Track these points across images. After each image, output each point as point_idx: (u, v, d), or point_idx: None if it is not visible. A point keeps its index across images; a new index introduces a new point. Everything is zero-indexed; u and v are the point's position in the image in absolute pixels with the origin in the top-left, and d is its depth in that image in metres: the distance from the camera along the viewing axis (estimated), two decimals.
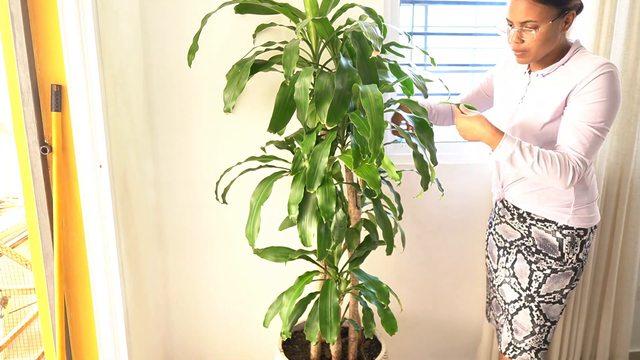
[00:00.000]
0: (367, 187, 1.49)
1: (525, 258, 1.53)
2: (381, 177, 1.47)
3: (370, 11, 1.44)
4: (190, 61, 1.46)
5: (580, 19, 1.74)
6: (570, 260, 1.49)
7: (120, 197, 1.55)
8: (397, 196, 1.58)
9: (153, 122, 1.78)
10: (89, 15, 1.35)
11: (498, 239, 1.65)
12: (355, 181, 1.57)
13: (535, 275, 1.51)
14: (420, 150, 1.35)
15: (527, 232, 1.54)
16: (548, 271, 1.50)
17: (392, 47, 1.59)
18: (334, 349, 1.63)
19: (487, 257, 1.73)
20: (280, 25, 1.66)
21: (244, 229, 1.48)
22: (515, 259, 1.57)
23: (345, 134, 1.51)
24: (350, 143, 1.39)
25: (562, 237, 1.47)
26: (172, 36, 1.71)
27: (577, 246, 1.48)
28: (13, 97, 1.36)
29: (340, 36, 1.47)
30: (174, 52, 1.72)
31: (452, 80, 1.97)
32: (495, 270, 1.67)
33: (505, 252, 1.62)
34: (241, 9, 1.61)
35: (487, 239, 1.73)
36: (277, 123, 1.42)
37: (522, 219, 1.55)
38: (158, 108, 1.77)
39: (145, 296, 1.78)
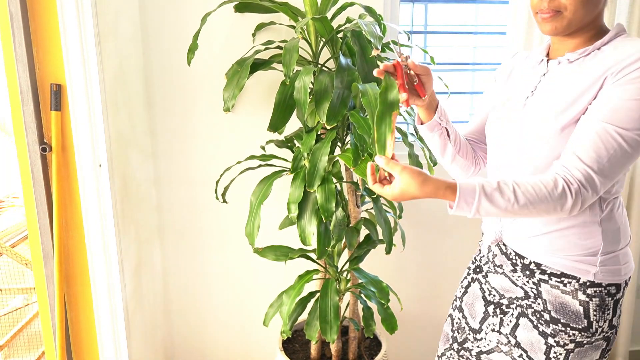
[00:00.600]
0: (366, 185, 1.49)
1: (536, 327, 1.05)
2: None
3: (369, 10, 1.44)
4: (189, 60, 1.46)
5: None
6: (600, 330, 1.02)
7: (120, 196, 1.55)
8: None
9: (153, 121, 1.78)
10: (89, 14, 1.35)
11: (490, 291, 1.16)
12: (354, 180, 1.57)
13: (554, 353, 1.03)
14: (416, 150, 1.35)
15: (535, 292, 1.06)
16: (571, 346, 1.02)
17: (392, 46, 1.59)
18: (334, 347, 1.64)
19: (459, 309, 1.22)
20: (279, 24, 1.66)
21: (244, 227, 1.48)
22: (517, 324, 1.09)
23: (344, 132, 1.52)
24: (349, 142, 1.39)
25: (588, 300, 1.01)
26: (172, 35, 1.70)
27: (609, 309, 1.01)
28: (12, 97, 1.36)
29: (340, 35, 1.47)
30: (173, 51, 1.72)
31: (452, 78, 1.97)
32: (476, 331, 1.17)
33: (499, 312, 1.13)
34: (241, 8, 1.61)
35: (467, 286, 1.22)
36: (277, 122, 1.42)
37: (528, 273, 1.06)
38: (158, 107, 1.77)
39: (146, 296, 1.78)
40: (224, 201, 1.57)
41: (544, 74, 1.03)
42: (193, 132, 1.80)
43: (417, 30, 1.93)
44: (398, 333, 2.04)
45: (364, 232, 1.71)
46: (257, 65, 1.46)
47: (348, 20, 1.52)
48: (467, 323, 1.20)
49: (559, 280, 1.02)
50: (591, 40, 0.98)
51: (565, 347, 1.02)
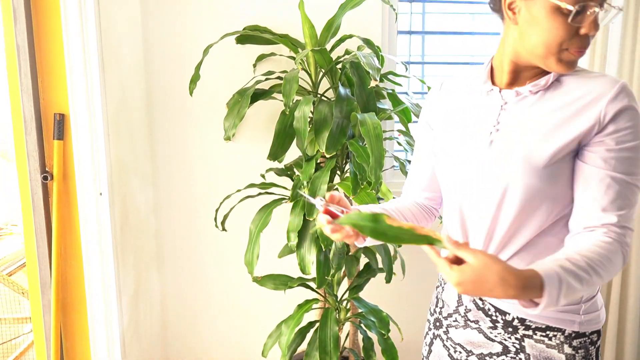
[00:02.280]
0: None
1: None
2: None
3: (368, 42, 1.48)
4: (191, 90, 1.48)
5: None
6: None
7: (120, 224, 1.55)
8: None
9: (154, 149, 1.80)
10: (93, 46, 1.38)
11: (454, 348, 1.03)
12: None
13: None
14: None
15: (518, 346, 0.96)
16: None
17: (390, 76, 1.63)
18: None
19: None
20: (280, 55, 1.70)
21: (243, 255, 1.48)
22: None
23: (344, 161, 1.53)
24: (349, 170, 1.40)
25: (574, 353, 0.93)
26: (174, 65, 1.74)
27: (592, 358, 0.95)
28: (16, 125, 1.38)
29: (339, 66, 1.50)
30: (175, 81, 1.75)
31: None
32: None
33: None
34: (242, 40, 1.65)
35: (430, 344, 1.09)
36: (277, 151, 1.43)
37: (511, 330, 0.96)
38: (159, 135, 1.79)
39: (143, 324, 1.75)
40: (224, 229, 1.57)
41: (502, 106, 0.91)
42: (193, 161, 1.82)
43: (415, 61, 1.98)
44: None
45: (363, 260, 1.70)
46: (258, 95, 1.48)
47: (347, 52, 1.56)
48: None
49: (543, 334, 0.94)
50: (541, 71, 0.89)
51: None
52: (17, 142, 1.38)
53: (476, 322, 1.00)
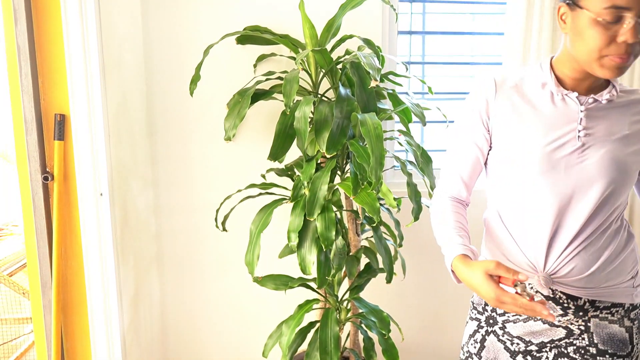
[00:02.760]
0: (366, 214, 1.49)
1: None
2: (380, 204, 1.47)
3: (368, 42, 1.48)
4: (192, 91, 1.48)
5: None
6: (637, 350, 1.04)
7: (120, 224, 1.55)
8: (397, 223, 1.58)
9: (154, 149, 1.80)
10: (94, 46, 1.38)
11: (511, 341, 1.08)
12: (354, 208, 1.57)
13: None
14: (414, 179, 1.36)
15: (583, 328, 1.02)
16: None
17: (390, 77, 1.63)
18: None
19: None
20: (280, 55, 1.70)
21: (243, 256, 1.48)
22: None
23: (344, 161, 1.53)
24: (349, 171, 1.40)
25: (631, 325, 1.02)
26: (175, 66, 1.74)
27: None
28: (17, 126, 1.38)
29: (339, 66, 1.50)
30: (176, 81, 1.75)
31: (450, 108, 2.00)
32: None
33: (531, 358, 1.07)
34: (242, 40, 1.65)
35: (482, 340, 1.11)
36: (277, 151, 1.43)
37: (581, 313, 1.02)
38: (159, 136, 1.79)
39: (143, 325, 1.75)
40: (224, 230, 1.57)
41: (583, 111, 0.98)
42: (194, 161, 1.82)
43: (415, 61, 1.97)
44: None
45: (364, 260, 1.70)
46: (258, 95, 1.48)
47: (347, 52, 1.56)
48: None
49: (608, 311, 1.02)
50: (605, 81, 1.00)
51: None
52: (18, 142, 1.39)
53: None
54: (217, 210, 1.57)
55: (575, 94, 0.97)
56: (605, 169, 0.95)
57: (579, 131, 0.97)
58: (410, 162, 1.58)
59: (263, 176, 1.66)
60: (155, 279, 1.88)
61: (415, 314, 2.04)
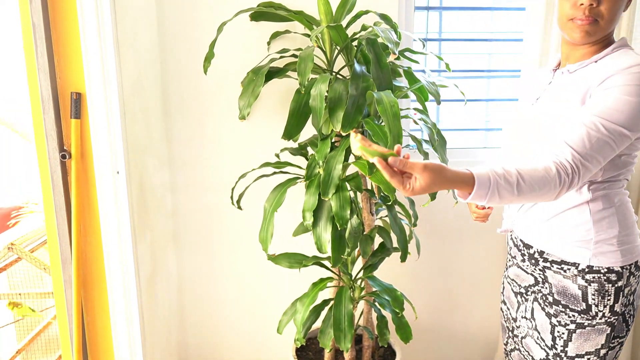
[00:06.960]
0: (382, 193, 1.48)
1: (543, 309, 1.19)
2: None
3: (385, 17, 1.44)
4: (206, 69, 1.48)
5: None
6: (601, 314, 1.12)
7: (137, 202, 1.57)
8: (412, 203, 1.57)
9: (169, 128, 1.80)
10: (108, 24, 1.37)
11: (513, 285, 1.32)
12: (369, 187, 1.56)
13: (558, 332, 1.16)
14: (431, 158, 1.34)
15: (542, 277, 1.20)
16: (572, 326, 1.14)
17: (407, 53, 1.59)
18: (347, 356, 1.62)
19: (504, 302, 1.37)
20: (294, 32, 1.67)
21: (257, 234, 1.49)
22: (533, 309, 1.23)
23: None
24: None
25: (586, 285, 1.12)
26: (189, 43, 1.73)
27: (609, 295, 1.11)
28: (34, 105, 1.39)
29: (355, 43, 1.47)
30: (190, 59, 1.74)
31: (467, 86, 1.96)
32: (515, 320, 1.31)
33: (523, 299, 1.27)
34: (256, 17, 1.62)
35: (503, 282, 1.38)
36: (292, 130, 1.42)
37: (533, 261, 1.21)
38: (174, 114, 1.79)
39: (161, 301, 1.79)
40: (239, 207, 1.58)
41: (550, 82, 1.17)
42: (208, 140, 1.82)
43: (432, 38, 1.93)
44: (413, 342, 2.01)
45: (378, 240, 1.70)
46: (272, 73, 1.47)
47: (363, 28, 1.53)
48: (510, 314, 1.34)
49: (559, 267, 1.15)
50: (597, 51, 1.09)
51: (567, 327, 1.14)
52: (36, 121, 1.40)
53: (514, 257, 1.28)
54: (233, 189, 1.58)
55: (555, 69, 1.18)
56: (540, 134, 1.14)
57: (536, 98, 1.18)
58: (426, 141, 1.56)
59: (277, 155, 1.65)
60: (172, 255, 1.91)
61: (428, 293, 2.04)
